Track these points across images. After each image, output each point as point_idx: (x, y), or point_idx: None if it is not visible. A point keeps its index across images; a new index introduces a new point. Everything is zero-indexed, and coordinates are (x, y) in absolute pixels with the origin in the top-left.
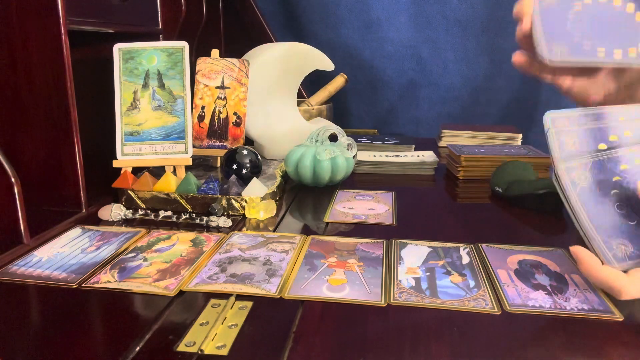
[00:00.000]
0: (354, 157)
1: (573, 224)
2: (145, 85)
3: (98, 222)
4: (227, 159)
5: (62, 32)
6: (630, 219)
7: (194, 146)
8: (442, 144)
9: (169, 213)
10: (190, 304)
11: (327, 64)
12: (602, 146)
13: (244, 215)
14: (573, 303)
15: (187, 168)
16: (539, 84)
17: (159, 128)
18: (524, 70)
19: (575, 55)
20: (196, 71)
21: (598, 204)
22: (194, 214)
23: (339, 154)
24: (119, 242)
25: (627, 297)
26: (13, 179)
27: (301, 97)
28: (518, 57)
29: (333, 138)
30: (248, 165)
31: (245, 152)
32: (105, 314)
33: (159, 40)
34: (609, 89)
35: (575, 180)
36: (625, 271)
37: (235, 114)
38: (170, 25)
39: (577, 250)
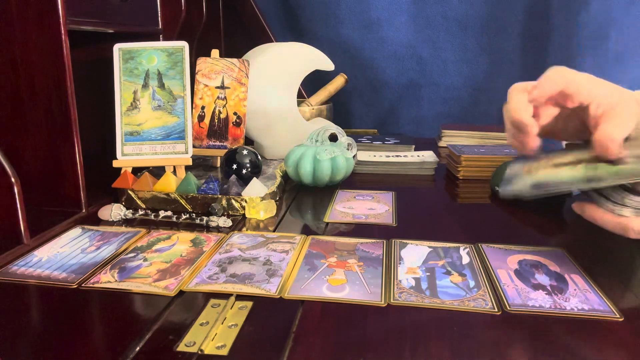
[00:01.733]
0: (354, 157)
1: (573, 224)
2: (145, 85)
3: (98, 222)
4: (227, 159)
5: (62, 32)
6: None
7: (194, 146)
8: (442, 144)
9: (169, 213)
10: (190, 304)
11: (327, 64)
12: None
13: (244, 215)
14: (573, 303)
15: (187, 168)
16: None
17: (159, 128)
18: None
19: None
20: (196, 71)
21: None
22: (194, 214)
23: (339, 154)
24: (119, 242)
25: (635, 235)
26: (13, 179)
27: (301, 97)
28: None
29: (333, 138)
30: (248, 165)
31: (245, 152)
32: (105, 314)
33: (159, 40)
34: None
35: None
36: None
37: (235, 114)
38: (170, 25)
39: (578, 203)
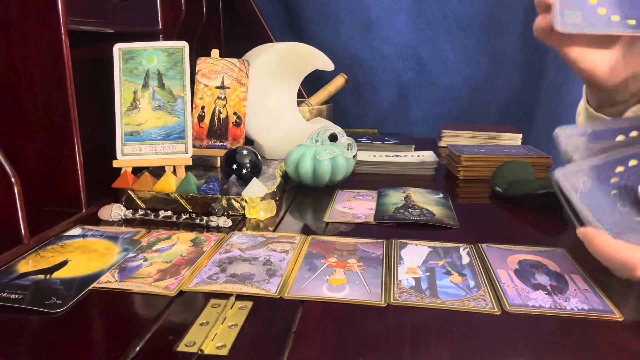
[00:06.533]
0: (354, 157)
1: (573, 224)
2: (145, 85)
3: (98, 222)
4: (227, 159)
5: (62, 32)
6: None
7: (194, 146)
8: (442, 144)
9: (169, 213)
10: (190, 304)
11: (327, 64)
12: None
13: (244, 215)
14: (573, 303)
15: (187, 168)
16: (539, 84)
17: (159, 128)
18: (541, 38)
19: (589, 24)
20: (196, 71)
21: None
22: (194, 214)
23: (339, 154)
24: None
25: None
26: (13, 179)
27: (301, 97)
28: (538, 22)
29: (333, 138)
30: (248, 165)
31: (245, 152)
32: (105, 314)
33: (159, 40)
34: (617, 67)
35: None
36: None
37: (235, 114)
38: (170, 25)
39: (585, 230)
